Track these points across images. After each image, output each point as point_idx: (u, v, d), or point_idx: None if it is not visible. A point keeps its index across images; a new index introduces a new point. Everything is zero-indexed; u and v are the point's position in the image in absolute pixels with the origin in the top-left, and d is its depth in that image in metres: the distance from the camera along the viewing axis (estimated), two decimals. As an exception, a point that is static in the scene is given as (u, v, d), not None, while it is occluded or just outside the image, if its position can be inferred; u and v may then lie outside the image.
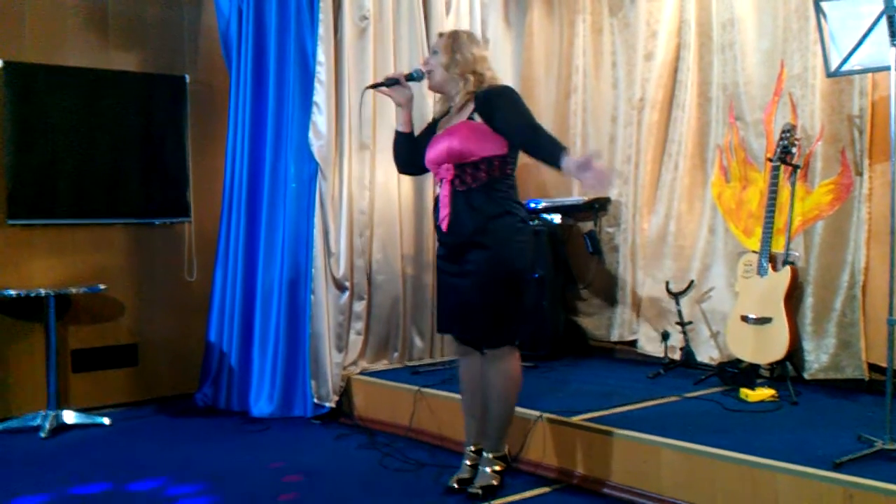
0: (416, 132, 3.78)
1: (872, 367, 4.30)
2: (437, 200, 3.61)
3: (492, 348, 3.53)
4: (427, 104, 5.14)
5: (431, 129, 3.73)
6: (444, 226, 3.52)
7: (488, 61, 3.63)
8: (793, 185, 4.45)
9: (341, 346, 5.04)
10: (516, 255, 3.47)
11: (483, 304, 3.45)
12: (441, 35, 3.70)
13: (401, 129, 3.74)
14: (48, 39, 5.18)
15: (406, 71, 3.88)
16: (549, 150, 3.25)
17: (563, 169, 3.15)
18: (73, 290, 5.03)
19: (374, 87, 3.81)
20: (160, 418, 5.18)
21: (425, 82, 3.71)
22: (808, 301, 4.48)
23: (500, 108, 3.45)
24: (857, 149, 4.35)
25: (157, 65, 5.56)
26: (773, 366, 4.44)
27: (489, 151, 3.44)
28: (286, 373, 5.06)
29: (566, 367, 5.17)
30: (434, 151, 3.58)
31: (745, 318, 4.43)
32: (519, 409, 3.83)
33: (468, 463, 3.69)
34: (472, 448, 3.72)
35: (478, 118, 3.48)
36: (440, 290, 3.74)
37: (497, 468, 3.61)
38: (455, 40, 3.58)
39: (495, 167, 3.47)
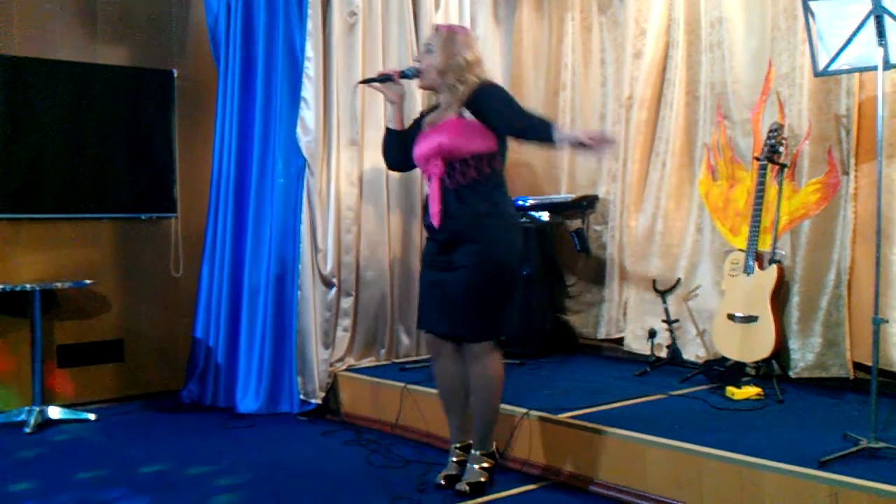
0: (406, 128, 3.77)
1: (857, 366, 4.32)
2: (426, 198, 3.60)
3: (474, 342, 3.51)
4: (416, 101, 5.14)
5: (418, 125, 3.73)
6: (435, 222, 3.51)
7: (481, 64, 3.60)
8: (780, 184, 4.46)
9: (328, 342, 5.03)
10: (505, 251, 3.48)
11: (470, 297, 3.45)
12: (437, 30, 3.65)
13: (392, 126, 3.72)
14: (36, 33, 5.14)
15: (399, 68, 3.84)
16: (541, 129, 3.31)
17: (556, 143, 3.22)
18: (59, 285, 5.00)
19: (367, 81, 3.77)
20: (146, 414, 5.16)
21: (415, 80, 3.70)
22: (795, 300, 4.49)
23: (487, 100, 3.47)
24: (844, 148, 4.37)
25: (145, 59, 5.53)
26: (759, 364, 4.46)
27: (477, 147, 3.45)
28: (273, 369, 5.04)
29: (553, 365, 5.18)
30: (422, 147, 3.57)
31: (731, 317, 4.44)
32: (505, 407, 3.83)
33: (454, 460, 3.69)
34: (458, 445, 3.72)
35: (467, 114, 3.49)
36: (424, 286, 3.71)
37: (485, 465, 3.61)
38: (451, 42, 3.53)
39: (484, 163, 3.48)
